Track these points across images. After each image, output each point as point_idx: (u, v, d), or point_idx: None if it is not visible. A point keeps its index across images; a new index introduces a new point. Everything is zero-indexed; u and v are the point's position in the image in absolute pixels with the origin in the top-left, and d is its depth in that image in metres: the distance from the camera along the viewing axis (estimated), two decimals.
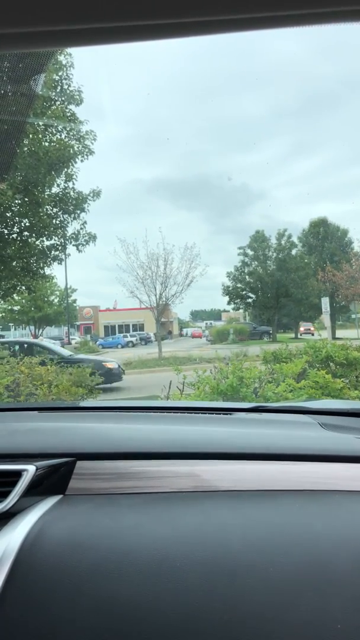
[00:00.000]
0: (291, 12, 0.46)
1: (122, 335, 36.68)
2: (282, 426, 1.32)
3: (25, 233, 11.27)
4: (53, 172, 10.58)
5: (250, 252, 31.97)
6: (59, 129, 10.53)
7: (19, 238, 11.25)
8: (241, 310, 37.57)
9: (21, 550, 0.77)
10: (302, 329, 34.54)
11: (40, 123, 10.10)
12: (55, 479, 0.98)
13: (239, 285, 31.99)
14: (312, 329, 34.18)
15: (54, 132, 10.59)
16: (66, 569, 0.74)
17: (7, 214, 10.91)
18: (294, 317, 33.70)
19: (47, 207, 11.00)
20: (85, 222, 11.61)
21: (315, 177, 56.96)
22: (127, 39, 0.51)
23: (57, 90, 10.23)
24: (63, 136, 10.67)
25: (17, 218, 11.13)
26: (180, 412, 1.54)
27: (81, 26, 0.47)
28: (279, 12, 0.46)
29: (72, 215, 11.39)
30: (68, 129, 10.52)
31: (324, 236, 34.03)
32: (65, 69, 10.25)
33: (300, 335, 31.86)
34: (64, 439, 1.16)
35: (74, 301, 38.42)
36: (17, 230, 11.28)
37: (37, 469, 0.94)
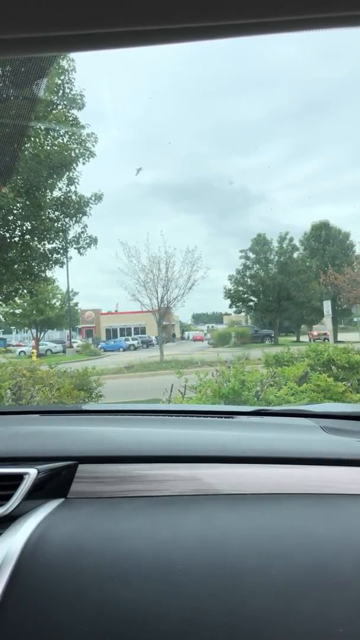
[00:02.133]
0: (291, 17, 0.46)
1: (123, 338, 36.68)
2: (284, 429, 1.32)
3: (27, 236, 11.29)
4: (55, 176, 10.61)
5: (251, 255, 32.02)
6: (61, 133, 10.57)
7: (20, 241, 11.27)
8: (243, 314, 37.48)
9: (23, 554, 0.77)
10: (314, 332, 30.84)
11: (42, 126, 10.14)
12: (56, 482, 0.98)
13: (240, 288, 32.00)
14: (327, 333, 30.11)
15: (56, 135, 10.63)
16: (68, 572, 0.74)
17: (9, 217, 10.94)
18: (295, 320, 33.56)
19: (49, 210, 11.03)
20: (86, 225, 11.66)
21: (316, 180, 56.98)
22: (129, 44, 0.51)
23: (59, 94, 10.27)
24: (65, 140, 10.71)
25: (18, 221, 11.16)
26: (182, 416, 1.54)
27: (83, 31, 0.48)
28: (279, 18, 0.46)
29: (74, 219, 11.43)
30: (70, 132, 10.56)
31: (325, 239, 33.97)
32: (67, 73, 10.29)
33: (313, 340, 28.36)
34: (66, 442, 1.16)
35: (76, 304, 38.42)
36: (19, 233, 11.31)
37: (38, 473, 0.94)
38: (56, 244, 11.65)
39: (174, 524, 0.85)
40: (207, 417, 1.52)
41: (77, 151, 10.66)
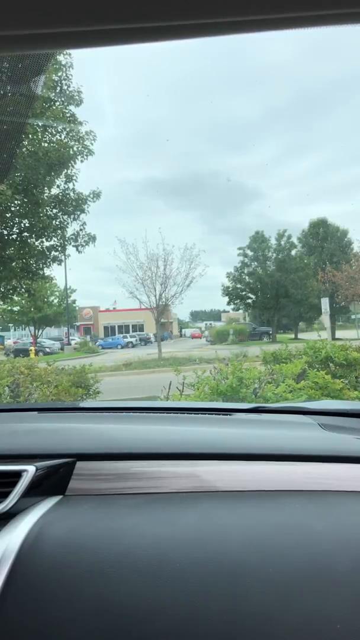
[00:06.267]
0: (289, 14, 0.46)
1: (121, 335, 36.67)
2: (282, 427, 1.32)
3: (25, 234, 11.26)
4: (53, 173, 10.58)
5: (249, 253, 32.01)
6: (59, 130, 10.53)
7: (18, 239, 11.24)
8: (241, 311, 37.52)
9: (21, 551, 0.77)
10: None
11: (40, 123, 10.10)
12: (55, 479, 0.98)
13: (238, 285, 32.01)
14: None
15: (54, 132, 10.59)
16: (66, 569, 0.74)
17: (7, 215, 10.90)
18: (293, 317, 33.59)
19: (47, 208, 10.99)
20: (84, 223, 11.63)
21: (314, 178, 57.03)
22: (126, 41, 0.51)
23: (57, 91, 10.23)
24: (63, 137, 10.67)
25: (16, 219, 11.12)
26: (180, 413, 1.54)
27: (81, 28, 0.48)
28: (277, 15, 0.46)
29: (72, 216, 11.40)
30: (67, 129, 10.52)
31: (323, 237, 34.01)
32: (64, 69, 10.24)
33: None
34: (64, 439, 1.17)
35: (74, 302, 38.37)
36: (17, 231, 11.27)
37: (37, 470, 0.94)
38: (54, 241, 11.62)
39: (172, 521, 0.85)
40: (205, 414, 1.52)
41: (75, 149, 10.62)
